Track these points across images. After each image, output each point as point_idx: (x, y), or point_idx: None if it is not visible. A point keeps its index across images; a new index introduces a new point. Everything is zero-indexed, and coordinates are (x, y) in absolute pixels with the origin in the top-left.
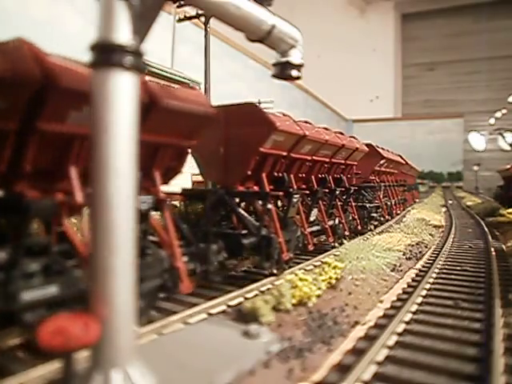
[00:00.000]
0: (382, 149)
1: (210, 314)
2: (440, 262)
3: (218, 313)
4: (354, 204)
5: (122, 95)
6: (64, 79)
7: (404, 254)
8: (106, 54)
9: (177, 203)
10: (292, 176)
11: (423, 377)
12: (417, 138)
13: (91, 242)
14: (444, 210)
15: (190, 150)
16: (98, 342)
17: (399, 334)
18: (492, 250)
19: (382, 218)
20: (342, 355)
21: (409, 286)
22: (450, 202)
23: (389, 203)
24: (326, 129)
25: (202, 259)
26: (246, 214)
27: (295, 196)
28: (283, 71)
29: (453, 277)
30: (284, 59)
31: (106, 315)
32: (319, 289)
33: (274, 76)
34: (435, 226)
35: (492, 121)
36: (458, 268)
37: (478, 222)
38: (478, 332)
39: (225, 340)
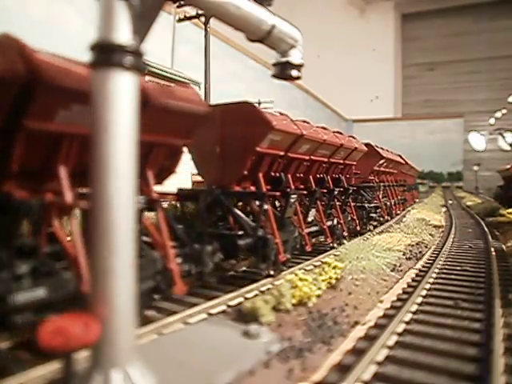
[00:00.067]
0: (382, 148)
1: (209, 314)
2: (440, 262)
3: (218, 313)
4: (352, 204)
5: (121, 95)
6: (51, 76)
7: (404, 254)
8: (106, 54)
9: (176, 203)
10: (289, 176)
11: (423, 377)
12: (417, 138)
13: (91, 242)
14: (444, 210)
15: (186, 150)
16: (97, 342)
17: (399, 334)
18: (492, 249)
19: (381, 219)
20: (342, 355)
21: (409, 286)
22: (450, 202)
23: (388, 203)
24: (324, 128)
25: (197, 260)
26: (242, 215)
27: (292, 196)
28: (283, 71)
29: (453, 277)
30: (284, 59)
31: (106, 315)
32: (319, 289)
33: (274, 76)
34: (435, 226)
35: (492, 121)
36: (458, 268)
37: (478, 222)
38: (478, 332)
39: (225, 340)
